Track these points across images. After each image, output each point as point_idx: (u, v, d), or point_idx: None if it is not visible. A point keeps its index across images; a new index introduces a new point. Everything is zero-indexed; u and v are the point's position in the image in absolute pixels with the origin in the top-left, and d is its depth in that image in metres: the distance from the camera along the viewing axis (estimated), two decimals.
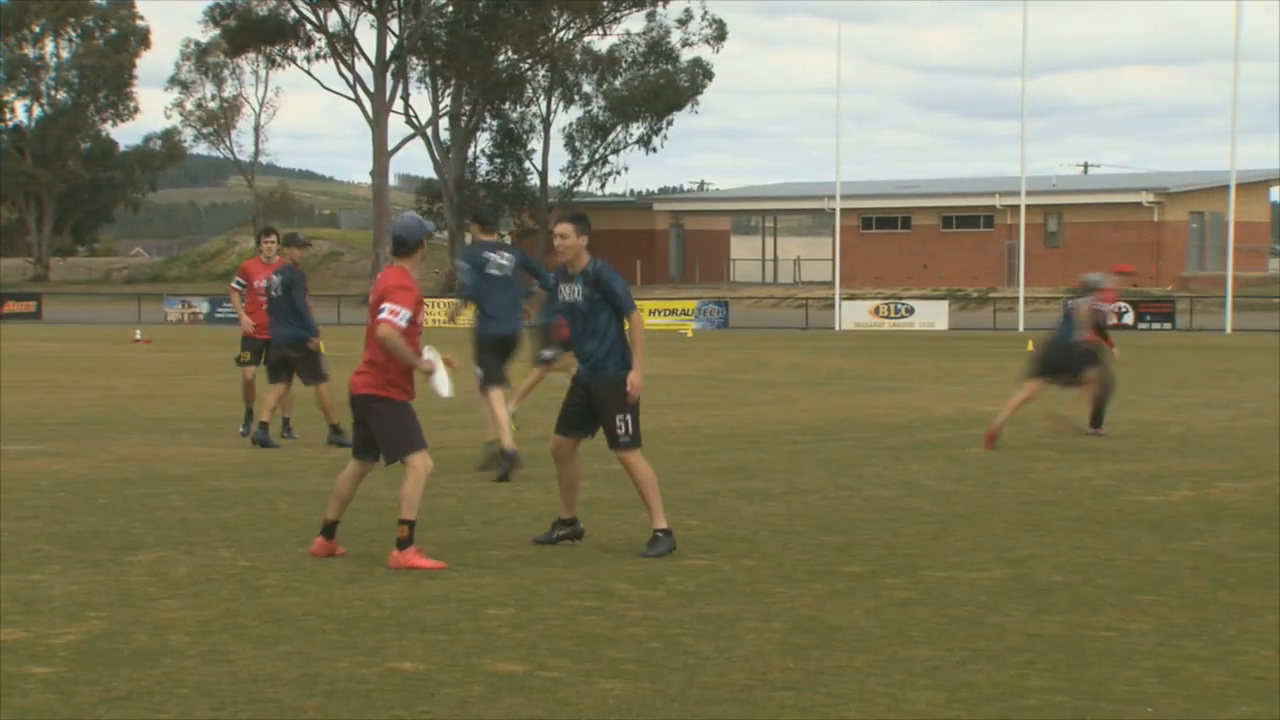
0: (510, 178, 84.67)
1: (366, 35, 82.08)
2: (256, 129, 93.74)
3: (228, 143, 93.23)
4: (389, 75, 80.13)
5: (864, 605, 8.79)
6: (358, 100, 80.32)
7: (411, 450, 10.04)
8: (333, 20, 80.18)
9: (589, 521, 11.31)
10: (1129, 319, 53.06)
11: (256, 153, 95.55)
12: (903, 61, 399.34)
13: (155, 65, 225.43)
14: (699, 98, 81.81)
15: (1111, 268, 20.11)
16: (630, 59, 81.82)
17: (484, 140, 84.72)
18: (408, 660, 7.48)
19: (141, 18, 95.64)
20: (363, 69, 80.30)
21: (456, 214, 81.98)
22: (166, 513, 12.10)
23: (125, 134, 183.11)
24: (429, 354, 10.28)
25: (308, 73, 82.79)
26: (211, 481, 13.90)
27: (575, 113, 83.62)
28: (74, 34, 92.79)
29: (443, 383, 10.42)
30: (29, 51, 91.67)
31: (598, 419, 10.67)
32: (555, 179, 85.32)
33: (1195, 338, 48.09)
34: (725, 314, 57.41)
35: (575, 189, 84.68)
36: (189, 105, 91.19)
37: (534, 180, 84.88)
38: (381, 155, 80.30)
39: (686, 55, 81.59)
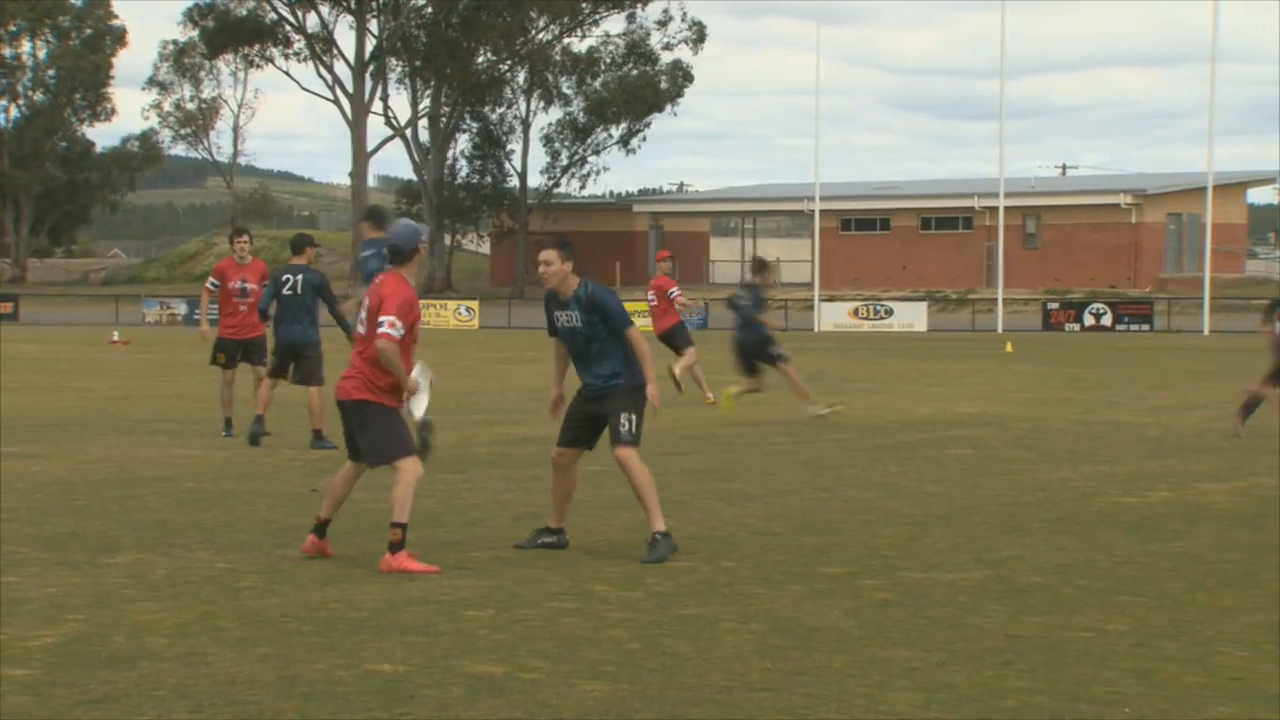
0: (489, 179, 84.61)
1: (345, 36, 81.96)
2: (235, 130, 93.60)
3: (206, 144, 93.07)
4: (368, 76, 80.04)
5: (842, 606, 8.79)
6: (336, 101, 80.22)
7: (400, 455, 10.03)
8: (311, 21, 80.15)
9: (569, 524, 11.30)
10: (1107, 320, 53.19)
11: (235, 154, 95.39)
12: (881, 63, 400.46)
13: (133, 66, 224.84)
14: (678, 100, 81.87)
15: None
16: (609, 60, 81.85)
17: (463, 141, 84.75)
18: (386, 662, 7.47)
19: (117, 17, 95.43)
20: (341, 70, 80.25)
21: (436, 215, 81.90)
22: (144, 514, 12.06)
23: (103, 135, 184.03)
24: (419, 373, 10.31)
25: (286, 74, 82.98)
26: (189, 483, 13.87)
27: (555, 114, 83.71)
28: (50, 34, 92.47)
29: (420, 404, 10.46)
30: (5, 52, 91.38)
31: (597, 431, 10.65)
32: (534, 180, 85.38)
33: (1173, 339, 48.24)
34: (704, 315, 57.41)
35: (554, 190, 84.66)
36: (167, 106, 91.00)
37: (513, 181, 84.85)
38: (360, 156, 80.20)
39: (666, 58, 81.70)
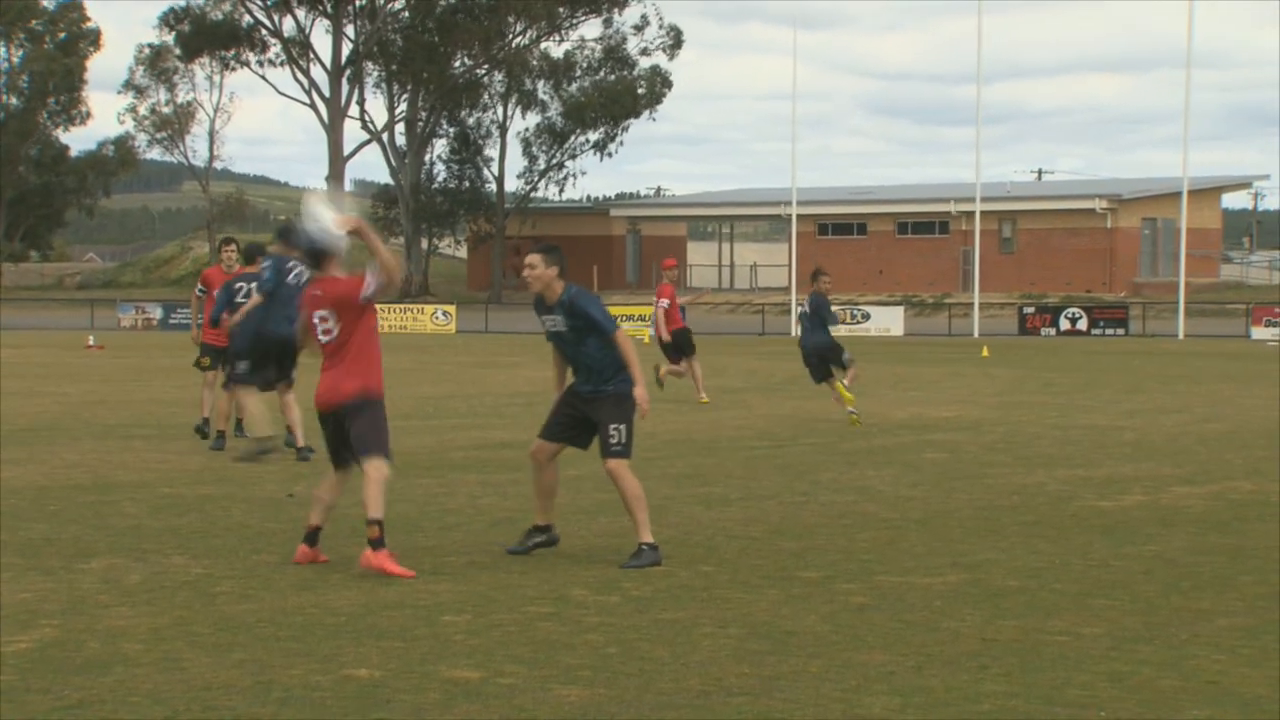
0: (467, 183, 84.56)
1: (322, 40, 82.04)
2: (211, 134, 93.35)
3: (182, 148, 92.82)
4: (344, 80, 79.95)
5: (819, 611, 8.80)
6: (313, 105, 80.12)
7: (382, 452, 10.06)
8: (288, 25, 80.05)
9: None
10: (1082, 324, 53.34)
11: (211, 158, 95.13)
12: (857, 68, 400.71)
13: (108, 70, 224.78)
14: (657, 106, 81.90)
15: None
16: (586, 64, 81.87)
17: (440, 146, 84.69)
18: (363, 667, 7.46)
19: (91, 20, 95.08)
20: (318, 74, 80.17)
21: (413, 220, 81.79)
22: (119, 520, 12.02)
23: (78, 139, 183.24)
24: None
25: (262, 78, 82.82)
26: (165, 488, 13.83)
27: (532, 119, 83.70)
28: (23, 38, 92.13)
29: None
30: None
31: (587, 432, 10.64)
32: (512, 184, 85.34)
33: (1148, 343, 48.39)
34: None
35: (532, 194, 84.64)
36: (143, 110, 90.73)
37: (491, 186, 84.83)
38: (337, 161, 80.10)
39: (644, 63, 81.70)
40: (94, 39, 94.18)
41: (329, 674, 7.32)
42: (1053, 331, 53.39)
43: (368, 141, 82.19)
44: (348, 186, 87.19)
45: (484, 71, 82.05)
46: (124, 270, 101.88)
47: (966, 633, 8.27)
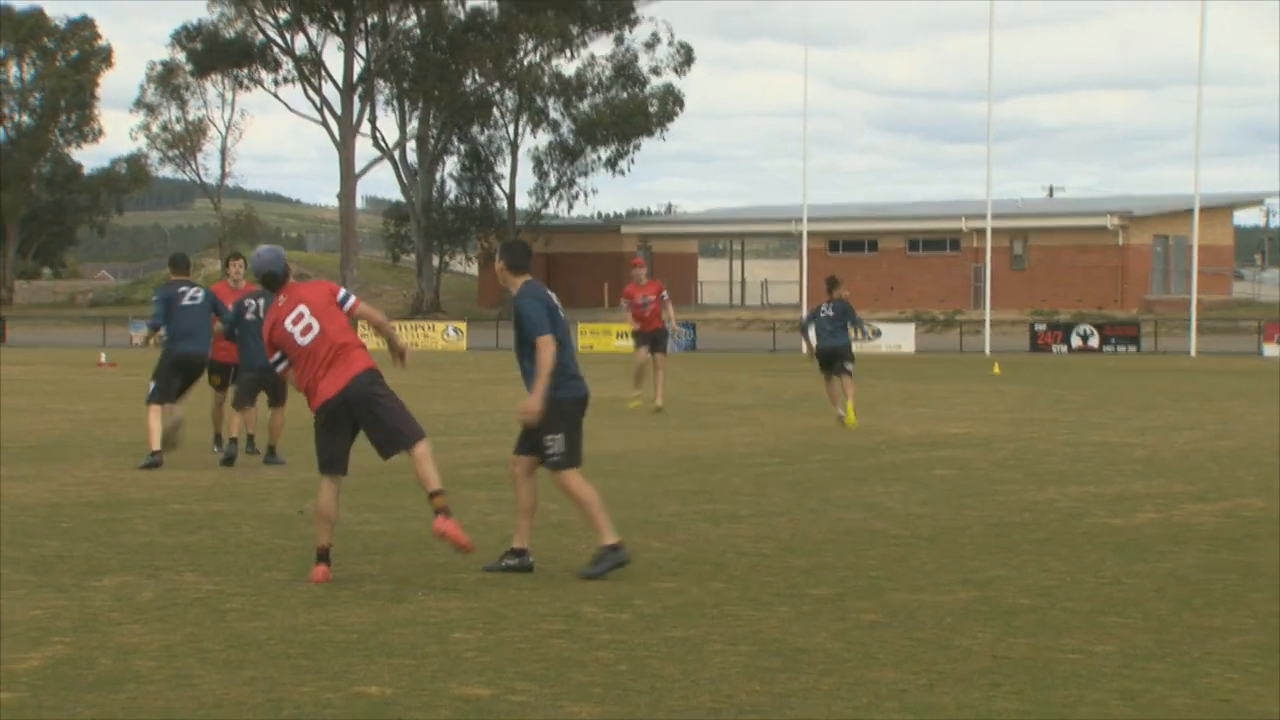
0: (478, 200, 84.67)
1: (334, 58, 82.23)
2: (223, 151, 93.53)
3: (194, 165, 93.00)
4: (356, 98, 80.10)
5: (830, 628, 8.79)
6: (325, 123, 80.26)
7: (421, 433, 10.24)
8: (300, 43, 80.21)
9: (555, 544, 11.31)
10: (1094, 342, 53.29)
11: (223, 175, 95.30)
12: (867, 85, 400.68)
13: (120, 87, 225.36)
14: (669, 124, 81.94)
15: None
16: (597, 82, 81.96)
17: (451, 163, 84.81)
18: (374, 685, 7.46)
19: (102, 38, 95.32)
20: (330, 92, 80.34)
21: (424, 237, 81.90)
22: (131, 537, 12.04)
23: (90, 156, 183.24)
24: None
25: (275, 96, 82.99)
26: (176, 505, 13.84)
27: (543, 136, 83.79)
28: (36, 56, 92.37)
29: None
30: None
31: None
32: (523, 201, 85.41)
33: (1160, 360, 48.32)
34: (693, 336, 57.47)
35: (543, 211, 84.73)
36: (155, 128, 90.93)
37: (502, 203, 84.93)
38: (349, 178, 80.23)
39: (655, 81, 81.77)
40: (106, 56, 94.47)
41: (340, 691, 7.33)
42: (1064, 348, 53.34)
43: (379, 159, 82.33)
44: (359, 203, 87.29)
45: (495, 89, 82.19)
46: (136, 287, 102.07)
47: (978, 650, 8.26)
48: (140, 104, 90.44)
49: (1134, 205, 76.61)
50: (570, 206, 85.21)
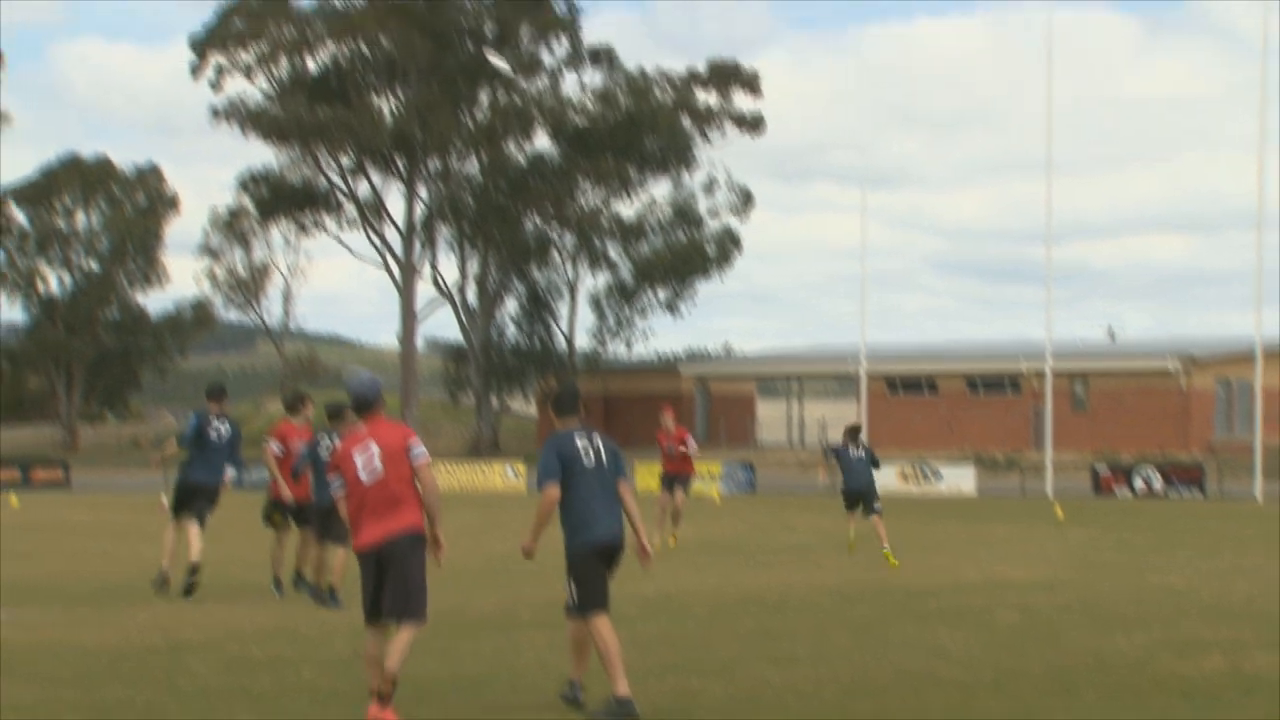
0: (537, 341, 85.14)
1: (395, 202, 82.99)
2: (285, 295, 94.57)
3: (257, 309, 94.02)
4: (417, 241, 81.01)
5: None
6: (386, 265, 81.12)
7: (422, 616, 10.20)
8: (362, 188, 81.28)
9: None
10: (1157, 485, 52.86)
11: (286, 318, 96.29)
12: (925, 226, 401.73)
13: (185, 233, 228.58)
14: (727, 266, 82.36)
15: None
16: (656, 224, 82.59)
17: (511, 304, 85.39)
18: None
19: (168, 184, 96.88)
20: (391, 235, 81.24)
21: (483, 378, 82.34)
22: (190, 681, 12.04)
23: (155, 301, 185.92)
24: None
25: (338, 239, 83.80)
26: (235, 648, 13.85)
27: (602, 277, 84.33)
28: (103, 203, 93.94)
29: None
30: (60, 223, 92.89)
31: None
32: (582, 342, 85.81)
33: (1224, 505, 47.77)
34: (751, 477, 57.30)
35: (602, 352, 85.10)
36: (219, 272, 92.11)
37: (561, 344, 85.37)
38: (409, 320, 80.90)
39: (713, 223, 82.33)
40: (172, 203, 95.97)
41: None
42: (1127, 491, 52.88)
43: (439, 301, 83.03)
44: (419, 344, 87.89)
45: (555, 231, 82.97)
46: None
47: None
48: (205, 248, 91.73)
49: (1196, 348, 76.24)
50: (629, 347, 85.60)
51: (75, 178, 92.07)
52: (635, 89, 79.47)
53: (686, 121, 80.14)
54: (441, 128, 75.17)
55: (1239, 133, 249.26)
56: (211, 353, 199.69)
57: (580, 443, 11.04)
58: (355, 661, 12.90)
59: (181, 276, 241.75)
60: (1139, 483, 53.10)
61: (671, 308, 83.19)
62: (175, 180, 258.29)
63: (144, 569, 22.51)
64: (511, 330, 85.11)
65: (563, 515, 10.90)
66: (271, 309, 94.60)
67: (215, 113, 76.38)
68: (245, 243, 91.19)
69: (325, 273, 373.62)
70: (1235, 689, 11.86)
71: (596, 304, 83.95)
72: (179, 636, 14.63)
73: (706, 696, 11.04)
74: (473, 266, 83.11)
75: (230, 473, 18.84)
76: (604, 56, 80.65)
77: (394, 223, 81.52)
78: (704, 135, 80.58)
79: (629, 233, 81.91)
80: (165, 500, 45.95)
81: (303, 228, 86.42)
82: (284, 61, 77.23)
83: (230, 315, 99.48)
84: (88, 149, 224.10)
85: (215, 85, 76.80)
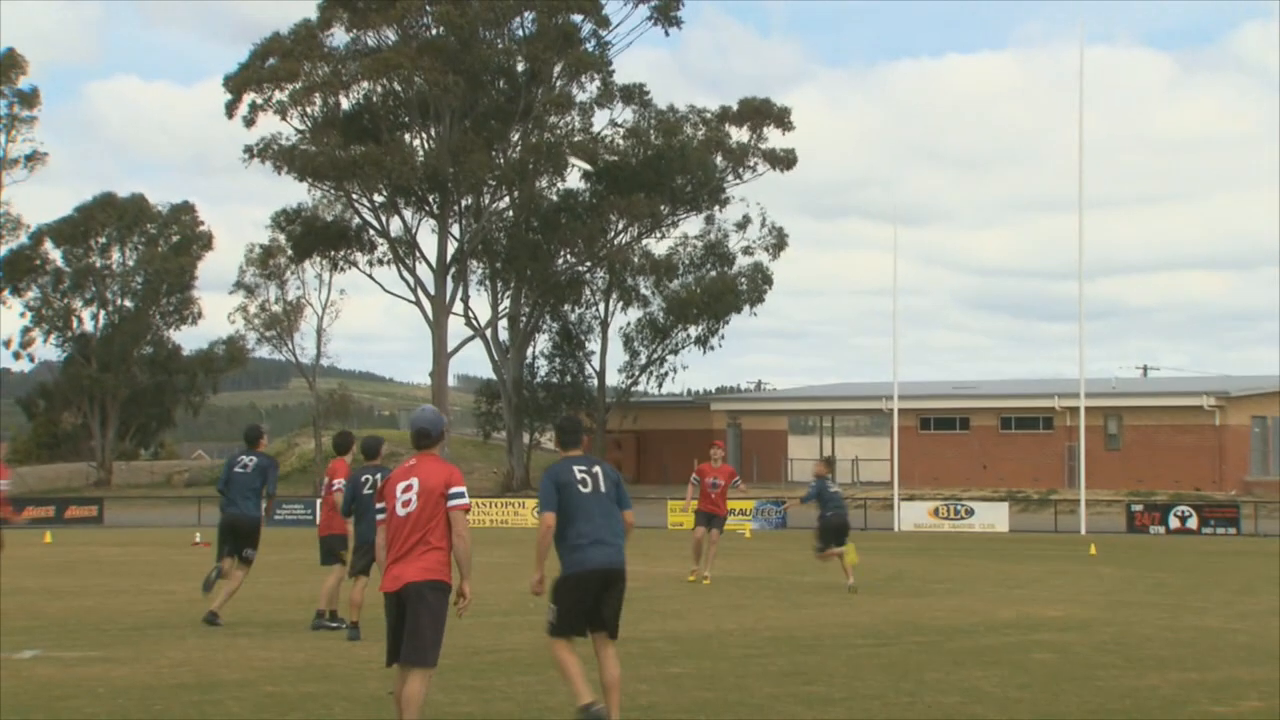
0: (569, 378, 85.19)
1: (427, 239, 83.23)
2: (318, 332, 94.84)
3: (290, 346, 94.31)
4: (449, 278, 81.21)
5: None
6: (418, 302, 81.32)
7: (431, 663, 10.19)
8: (395, 225, 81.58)
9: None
10: (1192, 523, 52.54)
11: (318, 355, 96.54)
12: (956, 263, 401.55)
13: (218, 270, 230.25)
14: (759, 303, 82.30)
15: None
16: (688, 261, 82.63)
17: (542, 341, 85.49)
18: None
19: (203, 224, 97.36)
20: (423, 272, 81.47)
21: (515, 414, 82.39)
22: (222, 718, 12.04)
23: (188, 338, 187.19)
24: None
25: (370, 276, 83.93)
26: (268, 686, 13.84)
27: (633, 314, 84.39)
28: (139, 241, 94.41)
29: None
30: (95, 260, 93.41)
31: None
32: (613, 378, 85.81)
33: (1260, 543, 47.48)
34: (784, 514, 57.19)
35: (633, 389, 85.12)
36: (252, 309, 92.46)
37: (593, 380, 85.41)
38: (441, 356, 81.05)
39: (743, 260, 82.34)
40: (206, 241, 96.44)
41: None
42: (1162, 529, 52.60)
43: (471, 338, 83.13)
44: (451, 381, 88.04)
45: (587, 268, 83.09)
46: None
47: None
48: (239, 285, 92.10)
49: (1230, 385, 75.90)
50: (660, 384, 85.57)
51: (111, 216, 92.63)
52: (666, 126, 79.65)
53: (719, 159, 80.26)
54: (474, 165, 75.41)
55: (1273, 169, 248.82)
56: (244, 389, 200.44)
57: (578, 471, 11.26)
58: (387, 700, 12.88)
59: (215, 314, 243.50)
60: (1174, 521, 52.80)
61: (703, 344, 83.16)
62: (209, 218, 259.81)
63: (176, 606, 22.54)
64: (543, 367, 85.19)
65: (558, 540, 11.14)
66: (305, 346, 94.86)
67: (249, 151, 76.82)
68: (279, 280, 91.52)
69: (358, 310, 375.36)
70: None
71: (628, 340, 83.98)
72: (211, 674, 14.64)
73: None
74: (505, 303, 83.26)
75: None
76: (636, 94, 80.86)
77: (426, 260, 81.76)
78: (736, 173, 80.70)
79: (661, 269, 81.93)
80: (199, 537, 46.13)
81: (336, 265, 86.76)
82: (317, 100, 77.62)
83: (263, 352, 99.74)
84: (123, 188, 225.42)
85: (249, 123, 77.23)
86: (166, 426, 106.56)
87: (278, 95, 76.80)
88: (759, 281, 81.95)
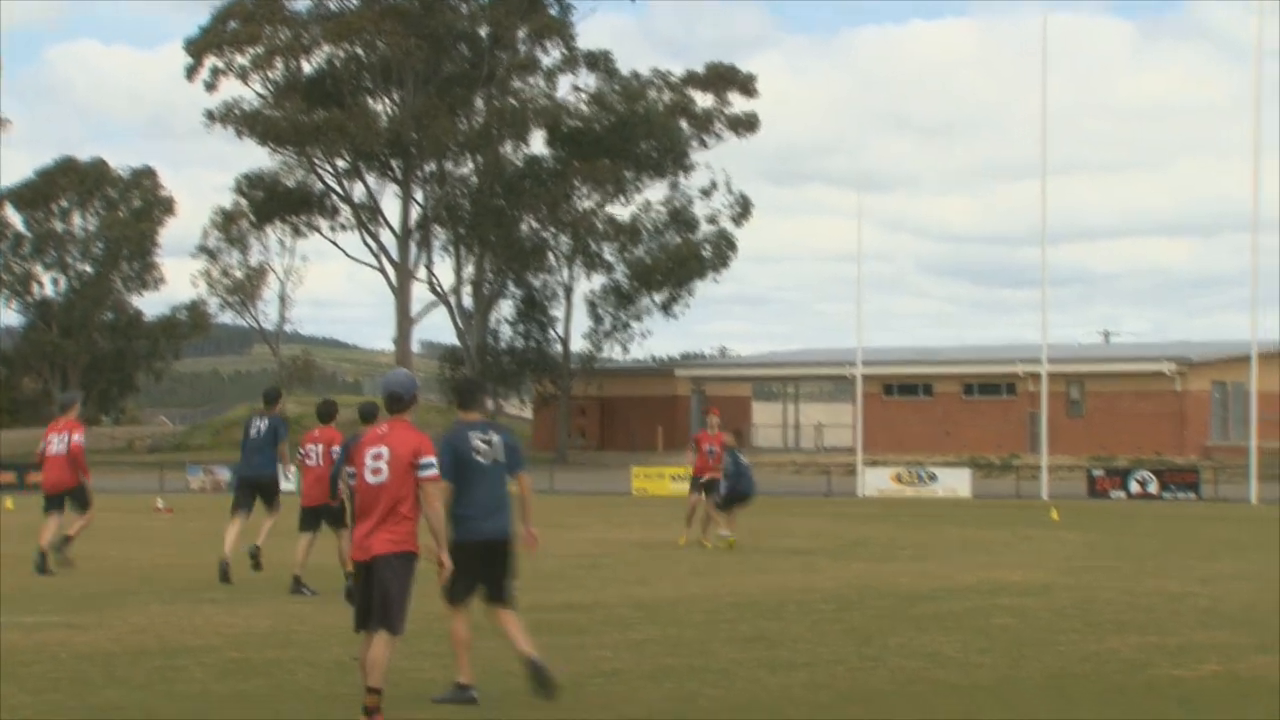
0: (533, 344, 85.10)
1: (391, 205, 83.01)
2: (281, 298, 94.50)
3: (253, 311, 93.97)
4: (413, 244, 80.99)
5: None
6: (381, 268, 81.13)
7: (398, 628, 10.19)
8: (358, 191, 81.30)
9: (609, 692, 11.19)
10: (1153, 488, 52.87)
11: (281, 321, 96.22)
12: (920, 229, 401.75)
13: (180, 235, 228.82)
14: (723, 268, 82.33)
15: None
16: (652, 227, 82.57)
17: (506, 307, 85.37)
18: None
19: (164, 187, 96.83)
20: (386, 238, 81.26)
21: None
22: (186, 685, 12.02)
23: (150, 303, 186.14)
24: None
25: (333, 242, 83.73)
26: (232, 652, 13.83)
27: (598, 280, 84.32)
28: (99, 205, 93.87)
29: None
30: (56, 225, 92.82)
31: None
32: (578, 345, 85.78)
33: (1220, 508, 47.79)
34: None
35: (597, 355, 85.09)
36: (215, 274, 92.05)
37: (557, 347, 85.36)
38: (404, 322, 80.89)
39: (708, 226, 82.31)
40: (168, 206, 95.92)
41: None
42: (1122, 494, 52.90)
43: (435, 304, 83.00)
44: (415, 347, 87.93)
45: (550, 234, 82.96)
46: (194, 433, 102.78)
47: None
48: (201, 250, 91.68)
49: (1191, 351, 76.29)
50: (625, 350, 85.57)
51: (71, 180, 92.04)
52: (630, 92, 79.49)
53: (683, 124, 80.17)
54: (437, 131, 75.14)
55: (1236, 136, 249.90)
56: (207, 355, 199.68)
57: (477, 439, 11.19)
58: (351, 666, 12.89)
59: (177, 279, 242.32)
60: (1134, 486, 53.12)
61: (667, 310, 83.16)
62: (170, 183, 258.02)
63: (139, 572, 22.48)
64: (507, 333, 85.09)
65: (451, 508, 10.97)
66: (267, 312, 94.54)
67: (211, 116, 76.38)
68: (242, 245, 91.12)
69: (321, 276, 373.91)
70: (1231, 694, 11.86)
71: (592, 307, 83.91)
72: (174, 640, 14.61)
73: (703, 701, 11.03)
74: (468, 269, 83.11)
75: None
76: (600, 60, 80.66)
77: (389, 226, 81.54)
78: (700, 139, 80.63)
79: (625, 235, 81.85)
80: (160, 503, 45.99)
81: (298, 231, 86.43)
82: (279, 64, 77.19)
83: (226, 318, 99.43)
84: (83, 151, 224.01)
85: (210, 88, 76.78)
86: (129, 392, 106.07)
87: (239, 59, 76.39)
88: (723, 248, 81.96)
